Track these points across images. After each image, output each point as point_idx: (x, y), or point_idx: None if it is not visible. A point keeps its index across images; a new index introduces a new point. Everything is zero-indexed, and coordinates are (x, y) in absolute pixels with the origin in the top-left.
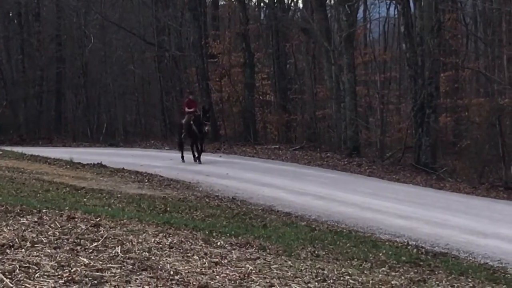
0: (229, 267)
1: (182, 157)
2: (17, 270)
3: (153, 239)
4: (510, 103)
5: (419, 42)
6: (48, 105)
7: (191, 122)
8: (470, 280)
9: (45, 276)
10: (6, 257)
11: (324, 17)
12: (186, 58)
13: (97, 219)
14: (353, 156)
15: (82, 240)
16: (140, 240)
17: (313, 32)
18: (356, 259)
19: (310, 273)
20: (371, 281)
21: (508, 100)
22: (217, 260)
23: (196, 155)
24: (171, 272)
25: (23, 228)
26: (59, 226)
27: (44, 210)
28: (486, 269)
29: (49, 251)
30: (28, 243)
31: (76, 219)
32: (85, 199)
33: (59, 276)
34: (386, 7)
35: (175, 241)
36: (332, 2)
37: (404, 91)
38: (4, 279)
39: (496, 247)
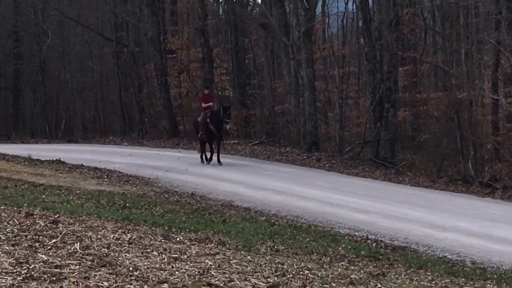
0: (188, 263)
1: (202, 157)
2: None
3: (112, 235)
4: (468, 97)
5: (377, 36)
6: (5, 101)
7: (208, 119)
8: (429, 273)
9: (3, 273)
10: None
11: (282, 12)
12: (144, 54)
13: (56, 216)
14: (312, 150)
15: (40, 237)
16: (99, 236)
17: (272, 27)
18: (315, 254)
19: (269, 267)
20: (330, 275)
21: (466, 94)
22: (176, 255)
23: (209, 155)
24: (130, 268)
25: None
26: (17, 223)
27: (2, 207)
28: (445, 262)
29: (7, 248)
30: None
31: (34, 216)
32: (43, 196)
33: (17, 273)
34: (345, 2)
35: (134, 237)
36: None
37: (363, 85)
38: None
39: (454, 241)
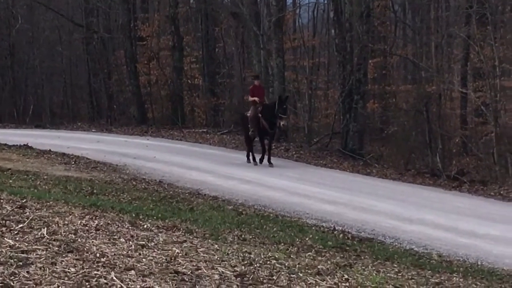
0: (155, 250)
1: (248, 156)
2: None
3: (79, 221)
4: (437, 90)
5: (348, 28)
6: None
7: (259, 114)
8: (395, 265)
9: None
10: None
11: (253, 1)
12: (114, 41)
13: (23, 201)
14: (280, 140)
15: (7, 222)
16: (66, 222)
17: (243, 16)
18: (282, 243)
19: (236, 256)
20: (297, 265)
21: (435, 87)
22: (143, 243)
23: (260, 155)
24: (97, 255)
25: None
26: None
27: None
28: (411, 255)
29: None
30: None
31: (1, 201)
32: (10, 181)
33: None
34: None
35: (101, 224)
36: None
37: (333, 76)
38: None
39: (421, 233)
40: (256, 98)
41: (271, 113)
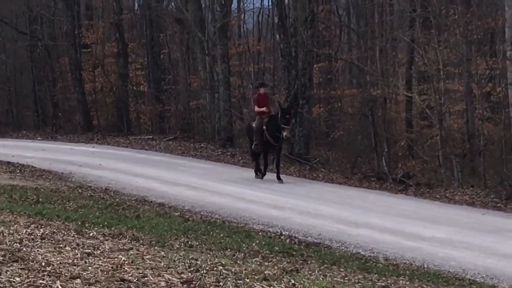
0: (101, 258)
1: (256, 171)
2: None
3: (24, 230)
4: (383, 94)
5: (292, 33)
6: None
7: (264, 126)
8: (342, 269)
9: None
10: None
11: (198, 7)
12: (59, 48)
13: None
14: (226, 146)
15: None
16: (11, 231)
17: (187, 22)
18: (229, 249)
19: (183, 263)
20: (244, 271)
21: (380, 91)
22: (89, 251)
23: (263, 168)
24: (43, 264)
25: None
26: None
27: None
28: (358, 259)
29: None
30: None
31: None
32: None
33: None
34: None
35: (47, 232)
36: None
37: (278, 81)
38: None
39: (368, 237)
40: (264, 109)
41: (275, 125)
